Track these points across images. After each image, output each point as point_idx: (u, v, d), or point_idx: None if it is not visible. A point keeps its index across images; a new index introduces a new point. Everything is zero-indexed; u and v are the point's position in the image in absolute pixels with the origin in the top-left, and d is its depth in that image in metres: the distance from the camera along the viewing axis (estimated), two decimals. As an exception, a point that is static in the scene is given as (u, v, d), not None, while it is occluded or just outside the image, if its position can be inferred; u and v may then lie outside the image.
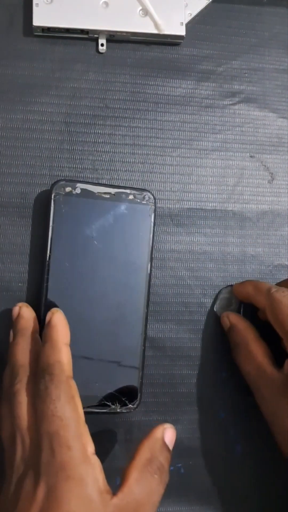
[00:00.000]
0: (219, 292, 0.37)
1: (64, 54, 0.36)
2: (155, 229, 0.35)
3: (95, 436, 0.35)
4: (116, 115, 0.37)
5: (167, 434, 0.29)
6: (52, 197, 0.33)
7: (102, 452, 0.35)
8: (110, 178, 0.36)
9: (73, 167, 0.36)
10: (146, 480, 0.27)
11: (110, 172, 0.36)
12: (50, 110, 0.36)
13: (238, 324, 0.35)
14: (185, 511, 0.36)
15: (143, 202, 0.34)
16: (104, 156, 0.36)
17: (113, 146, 0.36)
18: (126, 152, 0.36)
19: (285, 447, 0.31)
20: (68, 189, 0.33)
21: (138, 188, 0.35)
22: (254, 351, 0.33)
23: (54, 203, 0.33)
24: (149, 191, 0.35)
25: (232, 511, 0.36)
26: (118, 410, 0.34)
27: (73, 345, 0.31)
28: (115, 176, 0.36)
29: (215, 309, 0.37)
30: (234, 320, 0.35)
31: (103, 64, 0.37)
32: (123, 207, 0.34)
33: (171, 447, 0.29)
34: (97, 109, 0.36)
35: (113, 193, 0.34)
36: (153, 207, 0.35)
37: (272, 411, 0.31)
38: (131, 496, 0.26)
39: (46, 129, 0.36)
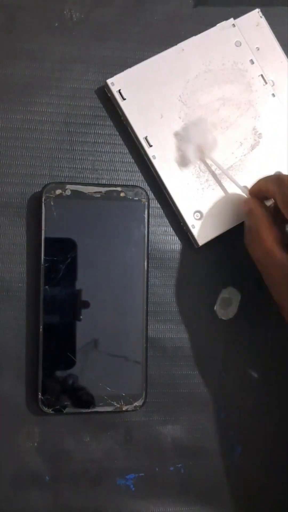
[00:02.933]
0: (219, 292, 0.37)
1: (64, 54, 0.36)
2: (151, 226, 0.35)
3: (95, 437, 0.35)
4: (116, 115, 0.37)
5: None
6: (43, 201, 0.33)
7: (102, 452, 0.35)
8: (110, 178, 0.36)
9: (73, 167, 0.36)
10: None
11: (110, 172, 0.36)
12: (50, 110, 0.36)
13: (254, 209, 0.34)
14: (185, 511, 0.36)
15: (135, 198, 0.34)
16: (104, 156, 0.36)
17: (113, 146, 0.36)
18: (126, 152, 0.36)
19: None
20: (58, 191, 0.33)
21: (128, 185, 0.35)
22: (264, 236, 0.33)
23: (45, 207, 0.33)
24: (140, 187, 0.35)
25: (232, 511, 0.36)
26: (123, 409, 0.34)
27: (75, 345, 0.31)
28: (115, 176, 0.36)
29: (215, 309, 0.37)
30: (252, 204, 0.34)
31: (103, 64, 0.37)
32: (115, 205, 0.34)
33: None
34: (97, 109, 0.36)
35: (103, 192, 0.34)
36: (146, 202, 0.34)
37: (281, 295, 0.32)
38: None
39: (46, 129, 0.36)
